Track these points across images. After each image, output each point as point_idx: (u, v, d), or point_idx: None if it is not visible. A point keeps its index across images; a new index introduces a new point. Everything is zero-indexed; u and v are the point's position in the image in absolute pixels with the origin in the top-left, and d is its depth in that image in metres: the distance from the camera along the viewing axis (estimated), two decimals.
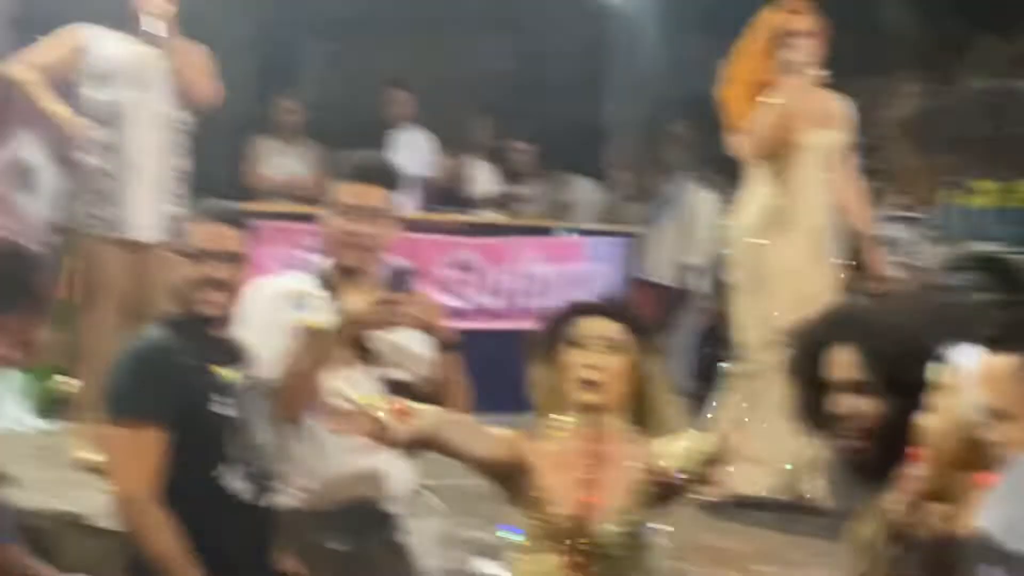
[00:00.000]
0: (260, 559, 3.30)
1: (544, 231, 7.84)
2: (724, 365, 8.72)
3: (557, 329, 3.05)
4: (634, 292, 8.20)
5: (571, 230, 7.90)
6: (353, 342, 3.44)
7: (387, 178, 3.58)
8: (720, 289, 8.81)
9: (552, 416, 3.05)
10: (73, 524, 4.38)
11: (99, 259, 5.46)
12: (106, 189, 5.39)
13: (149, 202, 5.42)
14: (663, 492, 2.94)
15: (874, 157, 11.16)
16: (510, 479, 3.01)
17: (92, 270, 5.52)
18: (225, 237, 3.26)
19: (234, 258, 3.25)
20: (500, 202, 8.12)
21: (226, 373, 3.26)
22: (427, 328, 3.45)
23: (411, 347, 3.55)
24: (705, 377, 9.50)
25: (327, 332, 3.36)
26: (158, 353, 3.20)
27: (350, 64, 10.50)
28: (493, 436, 3.04)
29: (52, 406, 6.79)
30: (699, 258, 8.31)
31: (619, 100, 10.50)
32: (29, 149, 6.81)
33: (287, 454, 3.41)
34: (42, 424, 6.42)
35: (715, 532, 4.86)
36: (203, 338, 3.25)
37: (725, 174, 9.38)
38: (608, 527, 2.90)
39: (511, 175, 8.37)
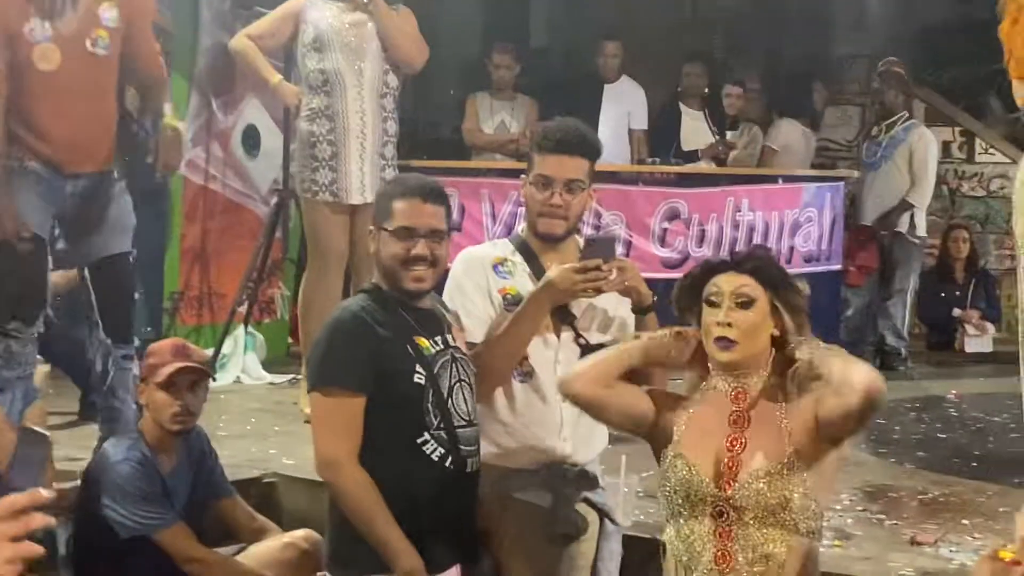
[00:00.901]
0: (461, 523, 3.40)
1: (756, 179, 7.76)
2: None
3: (694, 289, 3.05)
4: (851, 237, 8.09)
5: (785, 177, 7.77)
6: (554, 308, 3.54)
7: (585, 148, 3.63)
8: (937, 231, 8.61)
9: (700, 376, 3.06)
10: (297, 478, 4.59)
11: (318, 222, 5.69)
12: (323, 154, 5.60)
13: (364, 166, 5.61)
14: (813, 448, 2.87)
15: None
16: (656, 440, 3.05)
17: (312, 232, 5.77)
18: (427, 214, 3.34)
19: (436, 234, 3.34)
20: (712, 151, 8.03)
21: (427, 343, 3.35)
22: (626, 292, 3.52)
23: (609, 310, 3.64)
24: (929, 320, 9.35)
25: (530, 299, 3.46)
26: (359, 324, 3.30)
27: (571, 15, 10.55)
28: (644, 393, 3.08)
29: (285, 360, 7.17)
30: (921, 200, 8.14)
31: (843, 38, 10.29)
32: (255, 115, 7.17)
33: (489, 417, 3.52)
34: (270, 378, 6.75)
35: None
36: (405, 309, 3.36)
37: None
38: (750, 488, 2.86)
39: (724, 122, 8.29)
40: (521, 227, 3.76)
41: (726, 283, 3.00)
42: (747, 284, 2.98)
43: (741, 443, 2.92)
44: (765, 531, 2.87)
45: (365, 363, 3.27)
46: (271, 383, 6.67)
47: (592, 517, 3.67)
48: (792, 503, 2.85)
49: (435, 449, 3.31)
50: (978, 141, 11.18)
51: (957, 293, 9.14)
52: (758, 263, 3.03)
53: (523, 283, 3.58)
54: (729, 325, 2.95)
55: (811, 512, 2.87)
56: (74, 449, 4.67)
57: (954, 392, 7.28)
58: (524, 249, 3.64)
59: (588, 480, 3.67)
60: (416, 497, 3.30)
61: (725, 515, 2.89)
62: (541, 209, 3.57)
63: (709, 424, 3.00)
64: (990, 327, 9.07)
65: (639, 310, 3.57)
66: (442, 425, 3.33)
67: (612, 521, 3.69)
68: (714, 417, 2.99)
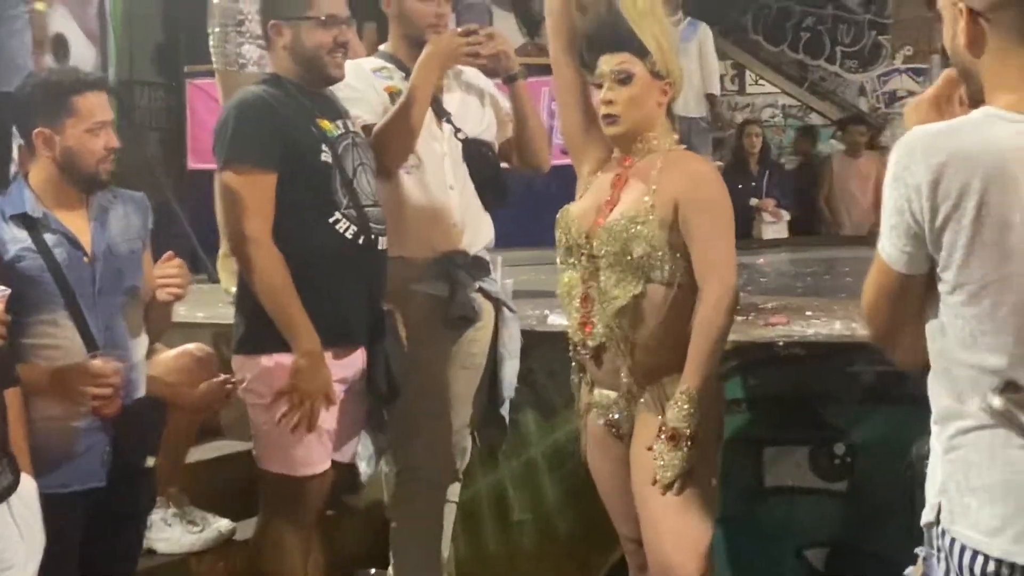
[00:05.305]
0: (372, 300, 3.55)
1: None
2: None
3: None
4: None
5: None
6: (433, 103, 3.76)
7: None
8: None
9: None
10: None
11: None
12: None
13: None
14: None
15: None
16: None
17: None
18: (342, 2, 3.51)
19: (348, 21, 3.51)
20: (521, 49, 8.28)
21: (329, 125, 3.47)
22: (496, 58, 3.78)
23: (480, 101, 3.94)
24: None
25: (417, 69, 3.68)
26: (262, 104, 3.39)
27: None
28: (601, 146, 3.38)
29: None
30: (716, 88, 8.62)
31: None
32: None
33: (387, 203, 3.65)
34: None
35: None
36: (304, 94, 3.47)
37: None
38: (601, 236, 3.17)
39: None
40: (383, 45, 3.97)
41: (606, 63, 3.25)
42: (625, 60, 3.23)
43: (614, 200, 3.22)
44: (614, 275, 3.16)
45: (272, 140, 3.35)
46: None
47: (488, 307, 3.88)
48: (633, 251, 3.12)
49: (347, 227, 3.43)
50: (748, 73, 11.81)
51: (752, 184, 9.63)
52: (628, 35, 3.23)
53: (402, 85, 3.75)
54: (611, 102, 3.21)
55: (657, 262, 3.13)
56: None
57: (762, 260, 7.75)
58: (394, 60, 3.87)
59: (481, 268, 3.87)
60: (331, 274, 3.41)
61: (589, 262, 3.20)
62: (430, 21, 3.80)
63: (601, 184, 3.29)
64: (785, 214, 9.62)
65: (509, 78, 3.81)
66: (351, 204, 3.44)
67: (509, 309, 3.92)
68: (606, 181, 3.29)
